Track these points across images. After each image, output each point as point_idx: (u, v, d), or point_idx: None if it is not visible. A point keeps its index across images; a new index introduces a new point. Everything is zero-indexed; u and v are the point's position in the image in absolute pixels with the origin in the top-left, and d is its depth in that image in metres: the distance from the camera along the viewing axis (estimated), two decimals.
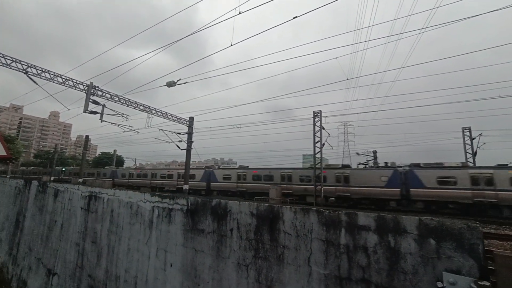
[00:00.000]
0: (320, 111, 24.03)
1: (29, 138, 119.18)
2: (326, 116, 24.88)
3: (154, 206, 2.90)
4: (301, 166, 27.27)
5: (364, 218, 1.48)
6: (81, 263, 3.93)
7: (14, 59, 18.64)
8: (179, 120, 29.14)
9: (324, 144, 23.84)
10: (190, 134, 29.63)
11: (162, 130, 28.50)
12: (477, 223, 1.16)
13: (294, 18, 11.75)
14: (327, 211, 1.63)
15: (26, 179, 7.34)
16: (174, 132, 29.05)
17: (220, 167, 36.10)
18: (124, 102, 23.89)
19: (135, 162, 63.40)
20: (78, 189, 4.51)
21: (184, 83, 21.34)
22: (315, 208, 1.68)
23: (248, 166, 31.71)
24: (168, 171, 33.77)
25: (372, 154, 38.66)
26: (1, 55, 18.13)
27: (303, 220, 1.73)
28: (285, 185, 25.51)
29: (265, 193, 24.56)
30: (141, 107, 25.53)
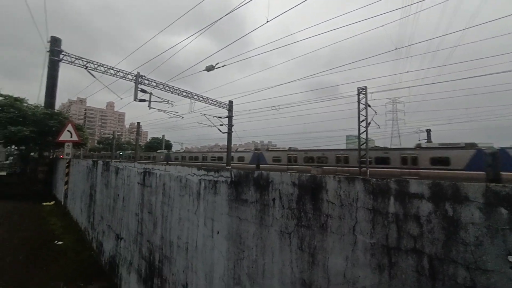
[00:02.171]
0: (366, 87, 22.15)
1: (93, 126, 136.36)
2: (372, 92, 22.96)
3: (201, 179, 3.12)
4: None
5: (417, 185, 1.36)
6: (141, 230, 4.49)
7: (76, 57, 21.13)
8: (219, 104, 30.02)
9: (369, 123, 22.22)
10: (230, 117, 30.45)
11: (204, 114, 29.81)
12: None
13: None
14: (374, 179, 1.55)
15: (93, 160, 8.49)
16: (216, 116, 30.18)
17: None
18: (169, 89, 25.44)
19: (182, 146, 68.10)
20: (134, 167, 5.07)
21: (223, 66, 21.63)
22: (361, 177, 1.61)
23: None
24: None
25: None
26: (67, 54, 20.76)
27: (347, 189, 1.68)
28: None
29: None
30: (184, 93, 26.90)
